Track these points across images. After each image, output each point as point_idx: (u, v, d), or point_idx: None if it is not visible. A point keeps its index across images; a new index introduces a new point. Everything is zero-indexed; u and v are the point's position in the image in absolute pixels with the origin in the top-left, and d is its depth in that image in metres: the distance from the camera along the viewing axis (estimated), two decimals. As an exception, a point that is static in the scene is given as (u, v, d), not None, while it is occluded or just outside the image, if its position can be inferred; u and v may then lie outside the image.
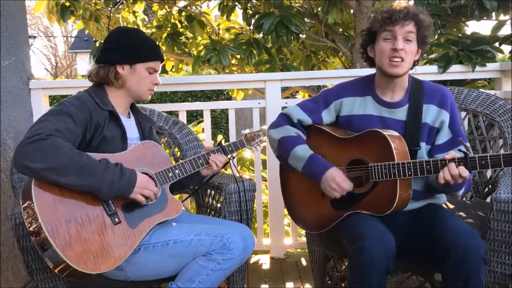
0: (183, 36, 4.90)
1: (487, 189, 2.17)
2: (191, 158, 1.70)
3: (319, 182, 1.61)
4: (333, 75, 2.79)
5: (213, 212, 2.00)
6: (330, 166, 1.60)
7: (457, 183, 1.46)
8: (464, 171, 1.42)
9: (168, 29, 4.81)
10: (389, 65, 1.56)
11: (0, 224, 2.28)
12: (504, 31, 3.24)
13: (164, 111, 2.37)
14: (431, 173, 1.47)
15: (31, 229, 1.35)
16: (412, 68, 1.64)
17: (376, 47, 1.61)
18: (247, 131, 1.87)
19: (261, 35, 3.66)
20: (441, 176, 1.44)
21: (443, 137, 1.64)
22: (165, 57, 4.19)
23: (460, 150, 1.46)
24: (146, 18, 5.69)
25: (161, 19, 5.01)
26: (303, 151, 1.66)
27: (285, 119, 1.75)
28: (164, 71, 6.52)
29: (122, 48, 1.63)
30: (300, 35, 3.55)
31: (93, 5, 4.80)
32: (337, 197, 1.59)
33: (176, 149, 2.23)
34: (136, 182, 1.46)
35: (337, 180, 1.57)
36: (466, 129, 2.26)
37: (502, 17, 3.19)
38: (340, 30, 4.28)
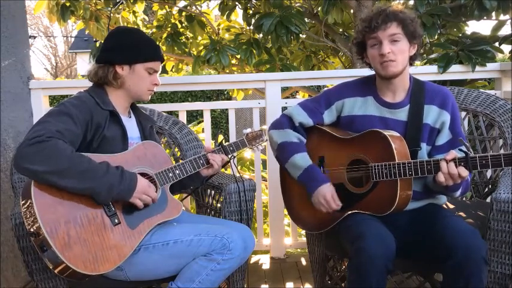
0: (183, 36, 4.89)
1: (487, 189, 2.17)
2: (191, 158, 1.70)
3: (311, 195, 1.63)
4: (333, 75, 2.79)
5: (213, 212, 1.99)
6: (324, 182, 1.62)
7: (455, 184, 1.46)
8: (463, 171, 1.42)
9: (168, 29, 4.81)
10: (382, 67, 1.57)
11: (0, 224, 2.27)
12: (504, 31, 3.25)
13: (164, 111, 2.36)
14: (431, 173, 1.47)
15: (31, 230, 1.35)
16: (411, 64, 1.64)
17: (368, 54, 1.62)
18: (248, 130, 1.86)
19: (261, 35, 3.65)
20: (440, 173, 1.44)
21: (444, 138, 1.64)
22: (165, 57, 4.19)
23: (460, 150, 1.46)
24: (146, 18, 5.68)
25: (161, 19, 5.00)
26: (302, 160, 1.66)
27: (286, 120, 1.75)
28: (164, 71, 6.52)
29: (121, 49, 1.62)
30: (300, 35, 3.55)
31: (93, 5, 4.79)
32: (323, 212, 1.61)
33: (176, 149, 2.23)
34: (136, 186, 1.46)
35: (327, 198, 1.59)
36: (466, 129, 2.26)
37: (502, 17, 3.19)
38: (340, 30, 4.28)
